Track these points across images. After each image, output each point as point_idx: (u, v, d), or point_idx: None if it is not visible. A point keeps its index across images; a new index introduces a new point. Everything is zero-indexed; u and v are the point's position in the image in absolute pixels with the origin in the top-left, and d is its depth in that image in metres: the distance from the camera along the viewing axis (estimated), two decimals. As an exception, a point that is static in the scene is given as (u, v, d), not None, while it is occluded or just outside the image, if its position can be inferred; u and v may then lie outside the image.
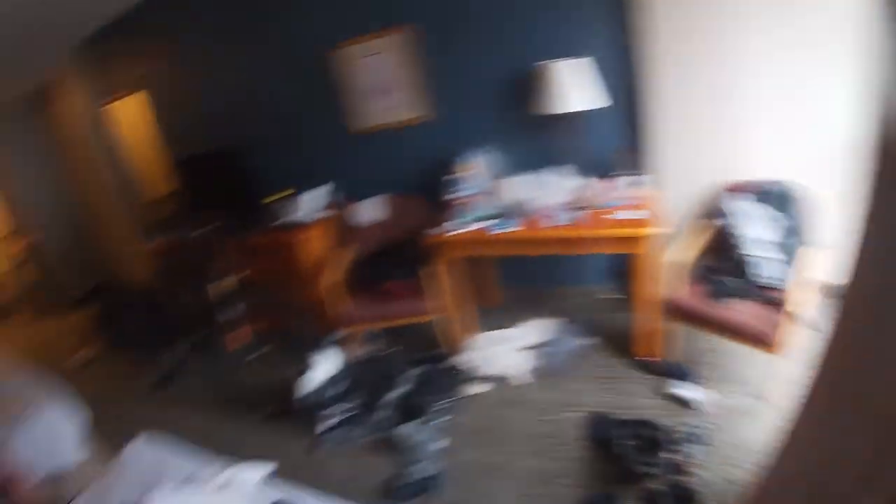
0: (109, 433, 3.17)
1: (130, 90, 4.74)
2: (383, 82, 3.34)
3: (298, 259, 3.44)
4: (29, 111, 5.97)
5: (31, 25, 3.64)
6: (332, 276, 3.18)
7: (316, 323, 3.25)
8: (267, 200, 3.58)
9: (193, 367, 4.09)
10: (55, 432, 2.84)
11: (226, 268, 3.43)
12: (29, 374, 3.30)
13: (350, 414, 2.85)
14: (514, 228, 2.78)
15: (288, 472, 2.04)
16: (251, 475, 1.93)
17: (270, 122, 3.91)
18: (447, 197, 3.01)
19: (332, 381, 2.96)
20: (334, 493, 1.87)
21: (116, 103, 4.96)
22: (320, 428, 2.85)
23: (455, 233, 2.85)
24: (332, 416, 2.85)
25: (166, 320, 4.28)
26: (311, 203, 3.53)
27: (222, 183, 4.04)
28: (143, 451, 2.29)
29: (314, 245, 3.49)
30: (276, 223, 3.53)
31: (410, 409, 2.76)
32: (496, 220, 2.83)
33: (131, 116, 4.91)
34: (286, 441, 2.97)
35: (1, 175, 6.14)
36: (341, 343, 3.19)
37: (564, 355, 2.87)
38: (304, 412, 2.94)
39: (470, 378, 2.90)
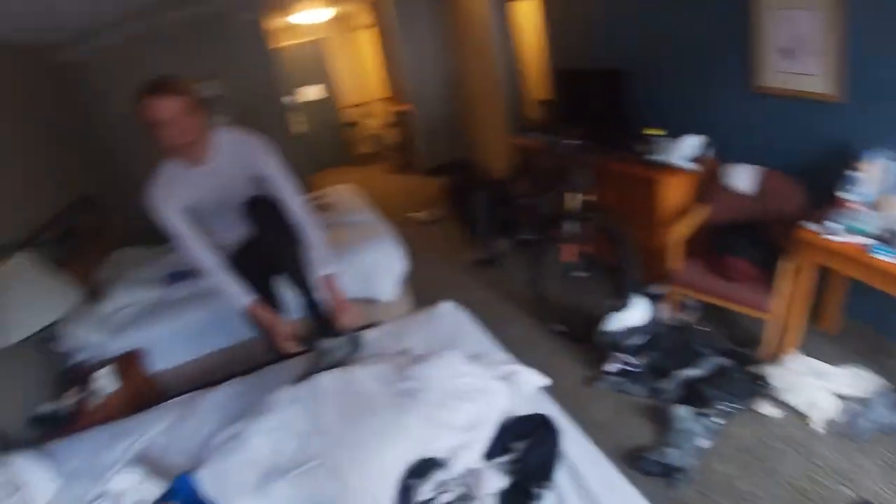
0: (421, 287, 3.76)
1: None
2: (798, 42, 2.71)
3: (653, 200, 3.28)
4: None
5: None
6: (681, 230, 2.97)
7: (643, 268, 3.12)
8: (646, 132, 3.38)
9: (516, 262, 4.38)
10: (380, 267, 3.40)
11: (578, 183, 3.39)
12: (374, 214, 3.95)
13: (637, 369, 2.77)
14: (896, 260, 2.16)
15: (556, 393, 2.02)
16: (532, 379, 1.92)
17: (663, 54, 3.65)
18: (838, 193, 2.40)
19: (635, 330, 2.87)
20: (588, 433, 1.79)
21: (518, 2, 5.23)
22: (606, 367, 2.82)
23: (833, 238, 2.33)
24: (620, 363, 2.80)
25: (507, 212, 4.53)
26: (685, 149, 3.26)
27: (598, 102, 4.05)
28: (447, 316, 2.52)
29: (673, 192, 3.25)
30: (643, 157, 3.36)
31: (694, 394, 2.57)
32: (879, 242, 2.20)
33: (528, 19, 5.18)
34: (568, 364, 3.04)
35: (393, 45, 7.13)
36: (658, 298, 3.07)
37: (872, 423, 2.30)
38: (598, 347, 2.93)
39: (767, 395, 2.55)
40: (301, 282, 2.38)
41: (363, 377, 1.88)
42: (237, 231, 2.45)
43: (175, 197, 2.19)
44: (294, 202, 2.35)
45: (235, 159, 2.27)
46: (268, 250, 2.31)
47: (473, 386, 1.78)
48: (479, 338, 2.33)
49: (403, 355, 2.12)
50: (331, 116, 9.01)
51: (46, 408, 2.64)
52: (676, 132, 3.34)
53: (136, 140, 5.14)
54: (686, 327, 2.97)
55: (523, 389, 1.87)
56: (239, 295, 2.30)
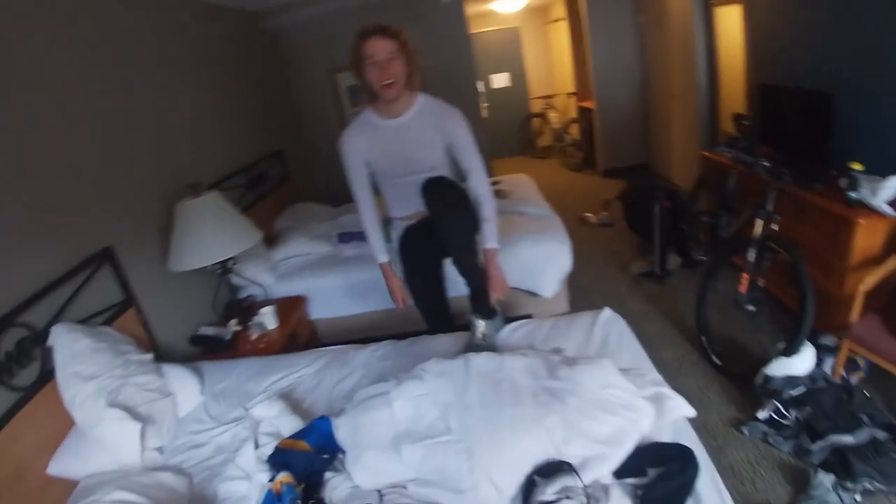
0: (578, 288, 3.66)
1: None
2: None
3: (845, 242, 2.87)
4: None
5: None
6: (868, 280, 2.56)
7: (817, 312, 2.72)
8: (850, 166, 2.92)
9: (683, 280, 4.15)
10: (546, 262, 3.31)
11: (769, 210, 3.07)
12: (548, 208, 3.85)
13: (788, 422, 2.50)
14: None
15: (698, 427, 1.92)
16: (681, 407, 1.79)
17: (880, 82, 3.13)
18: None
19: (796, 380, 2.60)
20: (723, 474, 1.67)
21: (721, 7, 4.86)
22: (758, 413, 2.58)
23: None
24: (772, 411, 2.55)
25: (683, 227, 4.29)
26: (888, 191, 2.80)
27: (800, 125, 3.61)
28: (605, 323, 2.39)
29: (868, 237, 2.81)
30: (843, 193, 2.93)
31: (841, 463, 2.24)
32: None
33: (730, 26, 4.77)
34: (716, 399, 2.81)
35: (583, 40, 6.98)
36: (826, 350, 2.75)
37: None
38: (755, 389, 2.70)
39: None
40: (468, 264, 2.37)
41: (513, 366, 1.84)
42: (407, 207, 2.48)
43: (361, 141, 2.32)
44: (478, 176, 2.35)
45: (430, 121, 2.30)
46: (446, 236, 2.30)
47: (621, 400, 1.68)
48: (634, 352, 2.19)
49: (555, 354, 2.06)
50: (514, 105, 9.01)
51: (209, 330, 2.91)
52: (884, 171, 2.88)
53: (323, 106, 5.58)
54: (848, 388, 2.61)
55: (670, 416, 1.75)
56: (377, 251, 2.54)
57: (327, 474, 1.65)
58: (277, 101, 5.00)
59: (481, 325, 2.30)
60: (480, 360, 1.87)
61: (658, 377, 1.95)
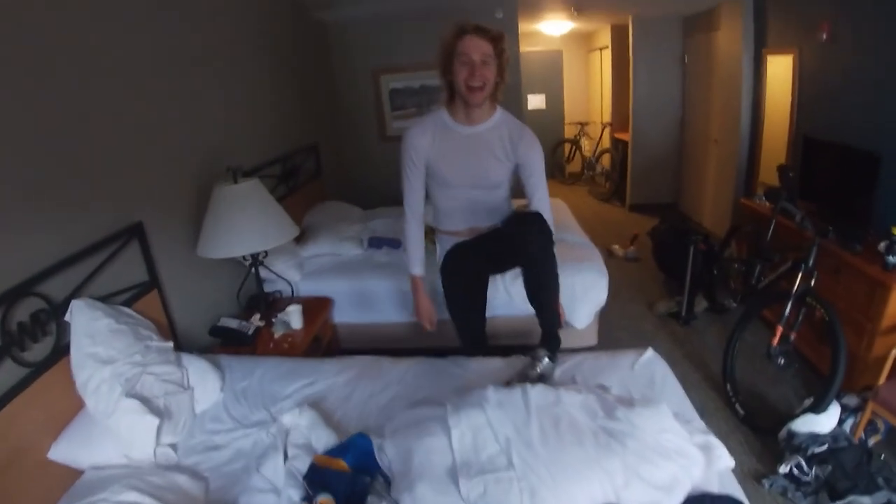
0: (604, 323, 3.56)
1: (785, 48, 4.51)
2: None
3: (880, 305, 2.86)
4: (689, 26, 6.41)
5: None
6: None
7: (847, 372, 2.73)
8: (894, 230, 2.89)
9: (709, 325, 4.11)
10: (583, 292, 3.25)
11: (808, 265, 3.04)
12: (586, 237, 3.78)
13: (808, 479, 2.46)
14: None
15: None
16: (726, 457, 1.75)
17: None
18: None
19: (819, 437, 2.58)
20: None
21: (771, 56, 4.80)
22: (780, 467, 2.54)
23: None
24: (794, 467, 2.51)
25: (714, 272, 4.24)
26: None
27: (845, 183, 3.55)
28: (648, 364, 2.30)
29: None
30: (882, 257, 2.90)
31: None
32: None
33: (779, 74, 4.69)
34: (738, 450, 2.77)
35: (625, 71, 6.96)
36: (851, 410, 2.75)
37: None
38: (779, 443, 2.70)
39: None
40: (552, 306, 2.25)
41: (570, 402, 1.76)
42: (459, 221, 2.35)
43: (428, 139, 2.20)
44: (544, 204, 2.25)
45: (505, 138, 2.19)
46: (541, 275, 2.16)
47: (676, 446, 1.64)
48: (678, 396, 2.12)
49: (606, 391, 1.98)
50: (547, 128, 8.85)
51: (231, 322, 2.77)
52: None
53: (363, 106, 5.51)
54: (867, 449, 2.58)
55: (717, 465, 1.71)
56: (414, 262, 2.38)
57: (370, 499, 1.53)
58: (317, 93, 4.90)
59: (545, 363, 2.16)
60: (538, 393, 1.78)
61: (703, 425, 1.91)
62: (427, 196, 2.34)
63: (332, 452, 1.62)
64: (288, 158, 4.02)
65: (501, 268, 2.61)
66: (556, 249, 2.11)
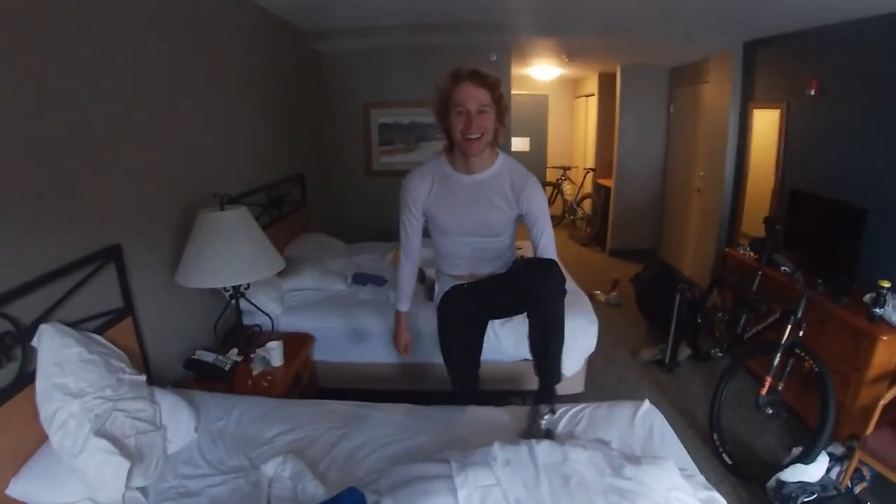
0: (592, 367, 3.54)
1: (772, 102, 4.60)
2: None
3: (865, 356, 2.92)
4: (676, 77, 6.54)
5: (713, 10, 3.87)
6: (890, 395, 2.60)
7: (835, 423, 2.76)
8: (880, 284, 2.94)
9: (693, 373, 4.11)
10: (573, 340, 3.00)
11: (794, 314, 3.06)
12: (573, 283, 3.74)
13: None
14: None
15: None
16: None
17: None
18: None
19: (808, 486, 2.62)
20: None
21: (758, 110, 4.90)
22: None
23: None
24: None
25: (697, 319, 4.26)
26: None
27: (832, 236, 3.60)
28: (644, 416, 2.24)
29: (889, 353, 2.87)
30: (868, 309, 2.97)
31: None
32: None
33: (765, 128, 4.79)
34: (728, 500, 2.74)
35: (610, 119, 7.15)
36: (838, 459, 2.79)
37: None
38: (768, 493, 2.71)
39: None
40: (556, 359, 2.14)
41: (577, 459, 1.67)
42: (460, 267, 2.26)
43: (426, 188, 2.11)
44: (550, 248, 2.17)
45: (505, 184, 2.10)
46: (549, 326, 2.05)
47: None
48: (676, 449, 2.05)
49: (608, 447, 1.90)
50: (531, 171, 8.84)
51: (207, 356, 2.61)
52: None
53: (352, 139, 5.46)
54: (855, 497, 2.65)
55: None
56: (402, 299, 2.37)
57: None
58: (307, 123, 4.84)
59: (548, 417, 2.07)
60: (544, 450, 1.69)
61: (704, 480, 1.86)
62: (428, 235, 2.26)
63: (324, 507, 1.49)
64: (273, 187, 3.93)
65: (503, 313, 2.53)
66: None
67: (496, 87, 1.95)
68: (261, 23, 3.79)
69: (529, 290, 1.99)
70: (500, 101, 1.97)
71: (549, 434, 2.00)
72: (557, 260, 2.12)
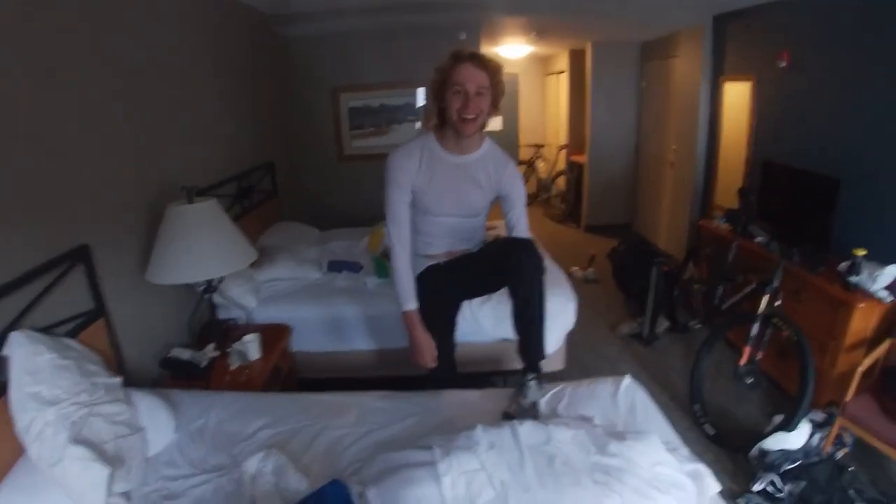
0: (571, 343, 3.52)
1: (743, 75, 4.64)
2: None
3: (843, 324, 2.97)
4: (647, 52, 6.57)
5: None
6: (864, 362, 2.66)
7: (814, 390, 2.82)
8: (854, 252, 2.98)
9: (672, 345, 4.15)
10: (552, 318, 3.09)
11: (770, 284, 3.13)
12: (551, 261, 3.78)
13: (781, 495, 2.51)
14: None
15: None
16: (713, 484, 1.71)
17: (890, 168, 3.20)
18: None
19: (790, 454, 2.65)
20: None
21: (729, 83, 4.93)
22: (754, 485, 2.58)
23: None
24: (767, 484, 2.55)
25: (674, 293, 4.32)
26: (886, 278, 2.91)
27: (806, 206, 3.63)
28: (626, 391, 2.23)
29: (865, 320, 2.93)
30: (843, 277, 3.02)
31: None
32: None
33: (737, 100, 4.81)
34: (711, 469, 2.76)
35: (582, 96, 7.17)
36: (819, 426, 2.83)
37: None
38: (750, 461, 2.75)
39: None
40: (540, 330, 2.13)
41: (561, 438, 1.67)
42: (438, 245, 2.26)
43: (415, 165, 2.08)
44: (525, 232, 2.23)
45: (490, 168, 2.14)
46: (530, 299, 2.05)
47: (671, 479, 1.61)
48: (660, 423, 2.07)
49: (591, 424, 1.90)
50: (504, 150, 8.88)
51: (183, 353, 2.55)
52: (883, 257, 2.98)
53: (321, 124, 5.36)
54: (837, 462, 2.67)
55: (708, 493, 1.68)
56: (406, 295, 2.17)
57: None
58: (275, 110, 4.74)
59: (534, 388, 2.08)
60: (528, 431, 1.69)
61: (688, 452, 1.86)
62: None
63: (306, 503, 1.47)
64: (243, 177, 3.85)
65: (480, 291, 2.52)
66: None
67: (497, 72, 1.98)
68: (223, 7, 3.68)
69: (510, 269, 2.00)
70: (498, 86, 1.99)
71: (533, 406, 2.03)
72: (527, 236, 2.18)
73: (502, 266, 2.04)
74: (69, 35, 2.12)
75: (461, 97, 1.92)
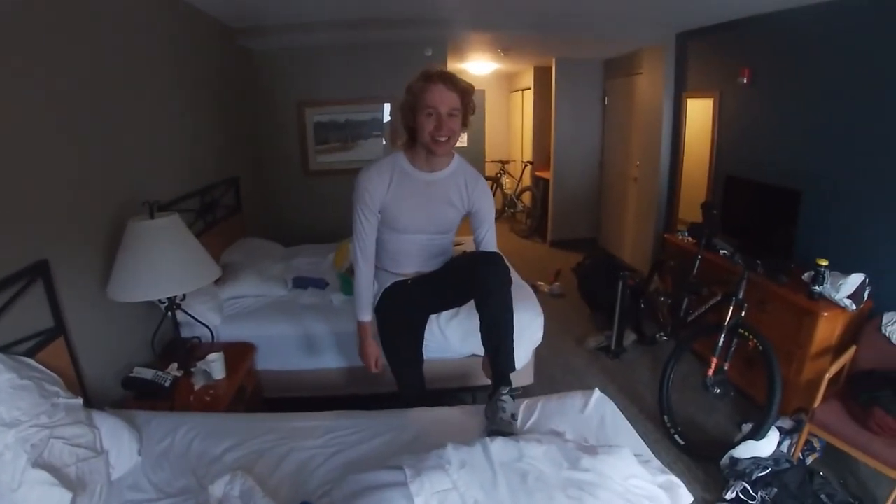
0: (539, 357, 3.53)
1: (705, 91, 4.76)
2: None
3: (808, 332, 3.07)
4: (611, 69, 6.69)
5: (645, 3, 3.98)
6: (830, 369, 2.75)
7: (782, 398, 2.86)
8: (817, 262, 3.07)
9: (639, 358, 4.22)
10: (519, 332, 3.08)
11: (735, 296, 3.18)
12: (517, 275, 3.75)
13: (754, 502, 2.55)
14: None
15: None
16: (686, 496, 1.73)
17: (845, 180, 3.34)
18: None
19: (761, 461, 2.69)
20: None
21: (692, 99, 5.05)
22: (727, 494, 2.62)
23: None
24: (739, 492, 2.59)
25: (637, 304, 4.39)
26: (847, 287, 3.02)
27: (768, 219, 3.76)
28: (596, 405, 2.24)
29: (829, 328, 3.04)
30: (808, 287, 3.13)
31: None
32: None
33: (699, 116, 4.93)
34: (683, 479, 2.81)
35: (546, 112, 7.25)
36: (788, 432, 2.93)
37: None
38: (721, 470, 2.78)
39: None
40: (509, 346, 2.12)
41: (532, 454, 1.66)
42: (406, 264, 2.25)
43: (384, 183, 2.08)
44: (493, 245, 2.26)
45: (460, 184, 2.15)
46: (498, 315, 2.06)
47: (645, 492, 1.63)
48: (630, 436, 2.08)
49: (562, 439, 1.90)
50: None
51: (145, 373, 2.46)
52: (844, 267, 3.10)
53: (286, 139, 5.30)
54: (807, 468, 2.73)
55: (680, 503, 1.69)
56: (363, 308, 2.26)
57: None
58: (240, 124, 4.66)
59: (512, 405, 2.06)
60: (499, 448, 1.67)
61: (659, 464, 1.88)
62: None
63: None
64: (206, 191, 3.77)
65: (449, 304, 2.50)
66: None
67: (467, 94, 1.98)
68: (187, 19, 3.62)
69: (477, 282, 2.01)
70: (469, 106, 2.00)
71: (513, 418, 2.03)
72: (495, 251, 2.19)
73: (469, 279, 2.05)
74: (30, 43, 2.07)
75: (434, 119, 1.92)
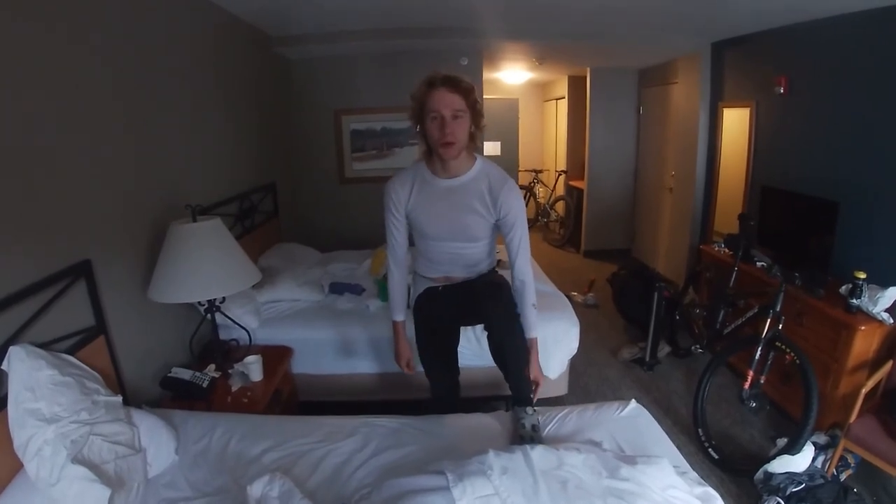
0: (573, 368, 3.53)
1: (741, 101, 4.69)
2: None
3: (846, 347, 2.98)
4: (645, 79, 6.62)
5: (680, 12, 3.93)
6: (871, 383, 2.68)
7: (817, 413, 2.80)
8: (855, 275, 2.99)
9: (674, 370, 4.14)
10: (556, 342, 3.20)
11: (773, 308, 3.11)
12: (552, 285, 3.76)
13: None
14: None
15: None
16: None
17: (888, 191, 3.24)
18: None
19: (796, 476, 2.65)
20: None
21: (728, 109, 4.98)
22: None
23: None
24: None
25: (675, 316, 4.34)
26: (886, 300, 2.94)
27: (806, 231, 3.68)
28: (632, 415, 2.24)
29: (867, 343, 2.95)
30: (846, 300, 3.03)
31: None
32: None
33: (735, 126, 4.86)
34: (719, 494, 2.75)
35: (581, 121, 7.21)
36: (823, 448, 2.86)
37: None
38: (756, 485, 2.73)
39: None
40: (521, 371, 2.15)
41: (572, 463, 1.66)
42: (436, 269, 2.26)
43: (406, 192, 2.12)
44: (525, 258, 2.19)
45: (485, 189, 2.08)
46: (506, 345, 2.08)
47: (682, 502, 1.62)
48: (666, 447, 2.06)
49: (600, 448, 1.90)
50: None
51: (183, 373, 2.51)
52: (882, 280, 3.02)
53: (323, 146, 5.38)
54: (841, 484, 2.65)
55: None
56: (396, 309, 2.38)
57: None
58: (277, 131, 4.76)
59: (531, 417, 2.09)
60: (539, 455, 1.67)
61: (696, 475, 1.85)
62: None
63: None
64: (245, 197, 3.84)
65: (469, 321, 2.56)
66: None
67: (469, 93, 1.96)
68: (229, 29, 3.71)
69: (482, 315, 2.08)
70: (475, 107, 1.98)
71: (534, 430, 2.04)
72: (531, 271, 2.21)
73: (479, 308, 2.08)
74: (76, 46, 2.13)
75: (438, 123, 1.92)
